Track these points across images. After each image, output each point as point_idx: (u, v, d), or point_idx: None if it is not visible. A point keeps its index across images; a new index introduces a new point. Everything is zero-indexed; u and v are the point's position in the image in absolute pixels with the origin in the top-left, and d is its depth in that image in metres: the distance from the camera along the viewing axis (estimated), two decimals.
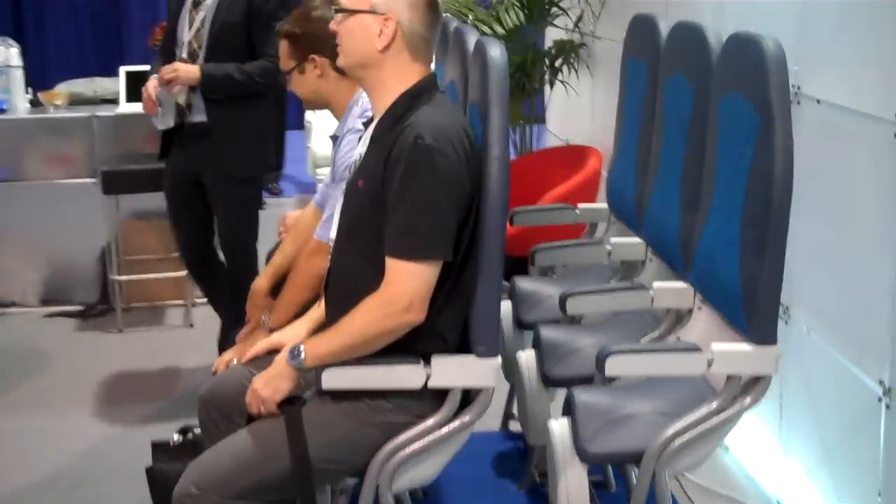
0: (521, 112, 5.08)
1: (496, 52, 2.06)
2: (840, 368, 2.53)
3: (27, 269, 4.66)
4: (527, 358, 2.68)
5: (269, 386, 2.01)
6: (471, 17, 5.04)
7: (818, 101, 2.63)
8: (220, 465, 2.01)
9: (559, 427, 2.19)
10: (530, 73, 4.88)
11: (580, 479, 2.14)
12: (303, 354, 1.98)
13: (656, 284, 2.48)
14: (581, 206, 3.26)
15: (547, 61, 5.03)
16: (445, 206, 1.94)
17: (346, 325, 1.98)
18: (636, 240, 2.87)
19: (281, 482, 1.98)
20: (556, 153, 5.08)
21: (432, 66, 2.13)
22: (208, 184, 3.49)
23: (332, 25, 2.08)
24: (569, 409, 2.22)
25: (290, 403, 2.01)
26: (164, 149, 3.54)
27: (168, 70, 3.29)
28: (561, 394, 2.42)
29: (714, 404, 2.07)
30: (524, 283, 3.05)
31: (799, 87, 2.70)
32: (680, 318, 2.49)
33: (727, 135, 2.23)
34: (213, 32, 3.35)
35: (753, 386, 2.10)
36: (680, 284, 2.47)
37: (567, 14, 4.97)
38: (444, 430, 2.04)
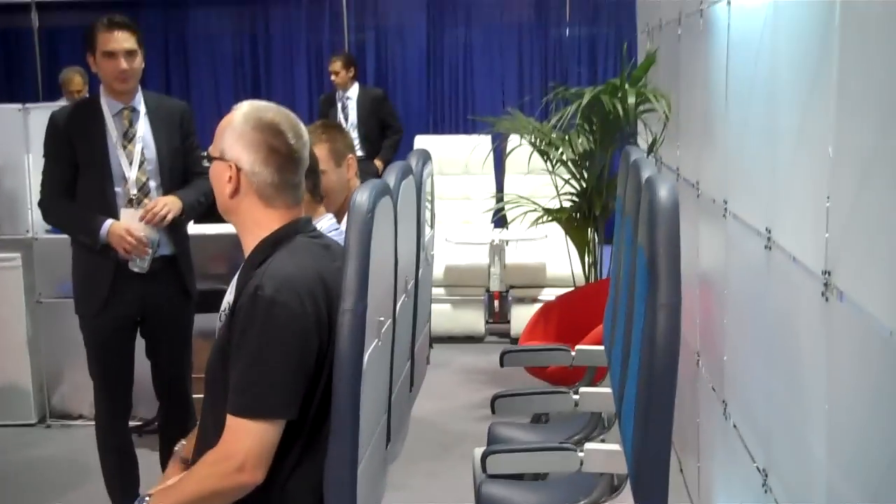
0: (587, 237, 4.89)
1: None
2: None
3: None
4: None
5: None
6: (542, 141, 4.92)
7: None
8: None
9: None
10: (593, 199, 4.71)
11: None
12: None
13: (587, 446, 2.26)
14: (579, 347, 3.05)
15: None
16: (284, 362, 1.83)
17: (186, 479, 1.89)
18: (606, 390, 2.65)
19: None
20: None
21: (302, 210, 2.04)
22: (157, 317, 3.36)
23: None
24: None
25: None
26: (92, 305, 3.28)
27: (159, 206, 3.19)
28: None
29: None
30: (500, 430, 2.86)
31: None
32: (615, 485, 2.25)
33: (639, 288, 2.03)
34: (163, 162, 3.27)
35: None
36: (613, 447, 2.23)
37: (633, 143, 4.78)
38: None
